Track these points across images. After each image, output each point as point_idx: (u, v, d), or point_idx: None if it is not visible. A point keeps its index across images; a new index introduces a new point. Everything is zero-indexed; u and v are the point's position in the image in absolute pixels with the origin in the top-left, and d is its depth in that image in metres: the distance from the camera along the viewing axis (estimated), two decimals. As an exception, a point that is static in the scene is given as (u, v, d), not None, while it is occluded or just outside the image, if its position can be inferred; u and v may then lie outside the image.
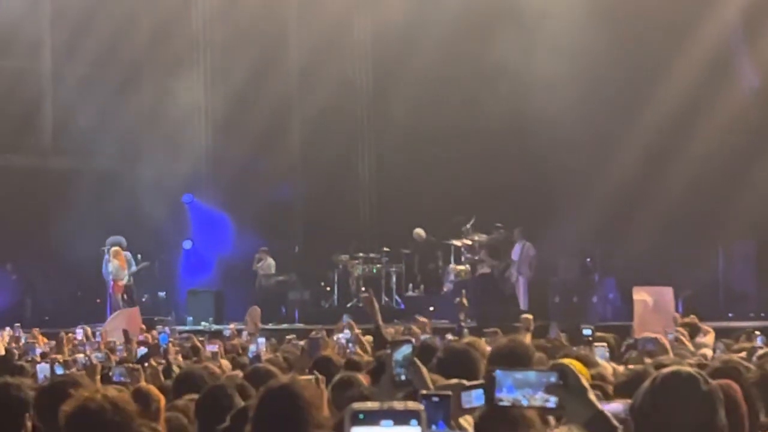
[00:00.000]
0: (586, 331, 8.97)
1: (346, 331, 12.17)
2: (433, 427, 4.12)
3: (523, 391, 3.56)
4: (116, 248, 22.35)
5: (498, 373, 3.57)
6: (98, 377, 7.95)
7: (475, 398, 4.47)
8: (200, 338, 13.80)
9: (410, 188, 23.73)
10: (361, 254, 23.04)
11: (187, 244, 25.54)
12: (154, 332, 15.13)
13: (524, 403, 3.59)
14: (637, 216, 20.41)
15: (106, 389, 4.71)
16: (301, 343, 11.31)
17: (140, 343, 12.92)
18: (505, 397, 3.57)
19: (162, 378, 8.19)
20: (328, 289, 23.53)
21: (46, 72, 25.75)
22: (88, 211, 23.70)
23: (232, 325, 17.26)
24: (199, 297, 23.98)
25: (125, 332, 13.85)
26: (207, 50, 26.27)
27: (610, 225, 20.50)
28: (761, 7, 20.16)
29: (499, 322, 13.78)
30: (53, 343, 13.74)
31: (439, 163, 23.38)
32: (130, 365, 8.18)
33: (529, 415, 4.28)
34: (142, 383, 6.95)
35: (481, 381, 4.83)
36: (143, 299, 23.56)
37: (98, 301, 22.82)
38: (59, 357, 10.34)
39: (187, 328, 20.34)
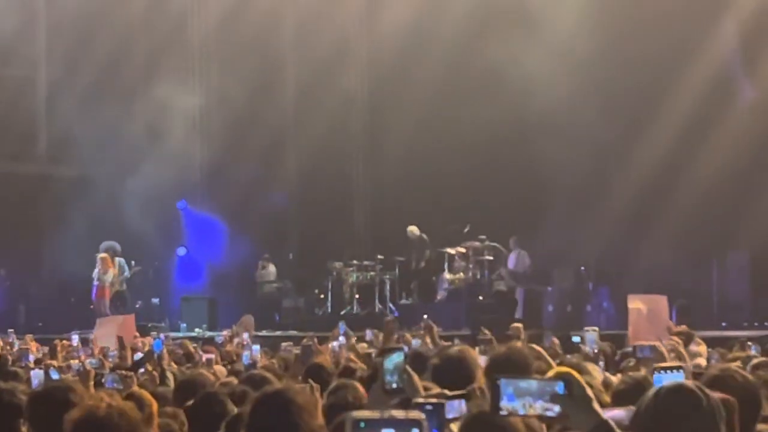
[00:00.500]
0: (575, 339, 8.96)
1: (341, 338, 12.14)
2: None
3: (524, 399, 3.54)
4: (103, 255, 22.28)
5: (502, 381, 3.55)
6: (92, 383, 7.93)
7: (456, 409, 4.45)
8: (193, 345, 13.77)
9: (404, 196, 23.73)
10: (355, 262, 23.02)
11: (181, 251, 25.50)
12: (149, 338, 15.08)
13: (521, 412, 3.57)
14: (631, 225, 20.45)
15: (112, 396, 4.68)
16: (296, 350, 11.28)
17: (132, 350, 12.87)
18: (505, 406, 3.55)
19: (157, 384, 8.16)
20: (322, 296, 23.51)
21: (44, 82, 25.75)
22: (82, 219, 23.65)
23: (225, 332, 17.22)
24: (193, 304, 23.95)
25: (120, 339, 13.79)
26: (205, 61, 26.27)
27: (605, 234, 20.51)
28: (759, 19, 20.21)
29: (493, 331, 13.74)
30: (46, 349, 13.68)
31: (434, 172, 23.40)
32: (123, 372, 8.15)
33: (515, 423, 4.25)
34: (135, 388, 6.92)
35: (463, 392, 4.81)
36: (137, 305, 23.51)
37: (91, 307, 22.76)
38: (54, 363, 10.30)
39: (180, 334, 20.29)
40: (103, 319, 19.38)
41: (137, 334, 16.94)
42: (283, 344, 12.80)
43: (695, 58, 20.42)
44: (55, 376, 8.64)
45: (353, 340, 12.46)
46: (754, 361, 8.17)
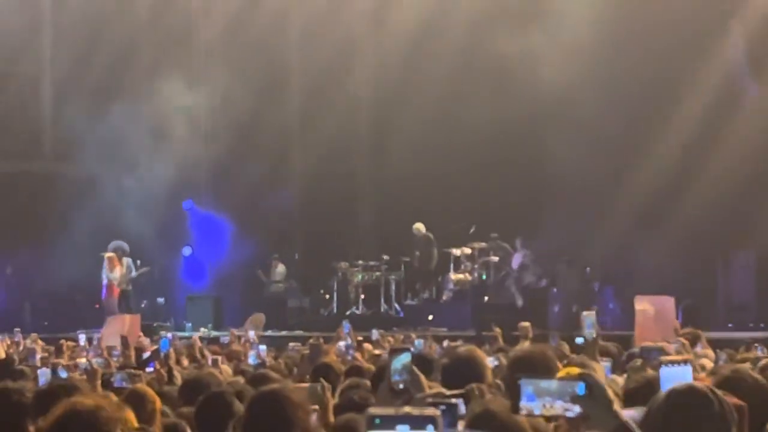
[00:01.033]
0: (579, 340, 8.93)
1: (348, 338, 12.15)
2: None
3: (544, 399, 3.54)
4: (110, 254, 22.28)
5: (522, 381, 3.55)
6: (99, 382, 7.93)
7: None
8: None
9: (410, 196, 23.72)
10: (360, 262, 23.05)
11: (187, 251, 25.51)
12: (147, 340, 15.13)
13: (540, 412, 3.57)
14: (637, 226, 20.44)
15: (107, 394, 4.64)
16: (304, 350, 11.27)
17: (138, 349, 12.86)
18: (524, 405, 3.55)
19: (165, 383, 8.16)
20: (327, 296, 23.52)
21: (50, 81, 25.77)
22: (88, 218, 23.66)
23: (231, 332, 17.21)
24: (198, 303, 23.98)
25: (123, 338, 13.80)
26: (212, 61, 26.27)
27: (610, 234, 20.50)
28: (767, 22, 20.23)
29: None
30: (52, 348, 13.69)
31: (440, 172, 23.38)
32: (132, 370, 8.15)
33: (521, 421, 4.24)
34: (138, 386, 6.90)
35: (462, 391, 4.81)
36: (142, 305, 23.53)
37: (97, 306, 22.78)
38: (62, 361, 10.31)
39: (186, 334, 20.30)
40: (111, 318, 19.43)
41: (141, 334, 16.98)
42: (291, 344, 12.82)
43: (705, 59, 20.42)
44: (63, 374, 8.65)
45: (360, 339, 12.46)
46: (763, 362, 8.16)
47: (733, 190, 19.77)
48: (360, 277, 22.82)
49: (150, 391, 6.34)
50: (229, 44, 26.05)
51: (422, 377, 4.91)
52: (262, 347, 11.93)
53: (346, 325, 14.66)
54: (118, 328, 17.96)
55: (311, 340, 10.72)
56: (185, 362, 10.47)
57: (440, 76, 23.08)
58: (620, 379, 6.98)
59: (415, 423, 2.25)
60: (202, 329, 21.82)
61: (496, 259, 22.03)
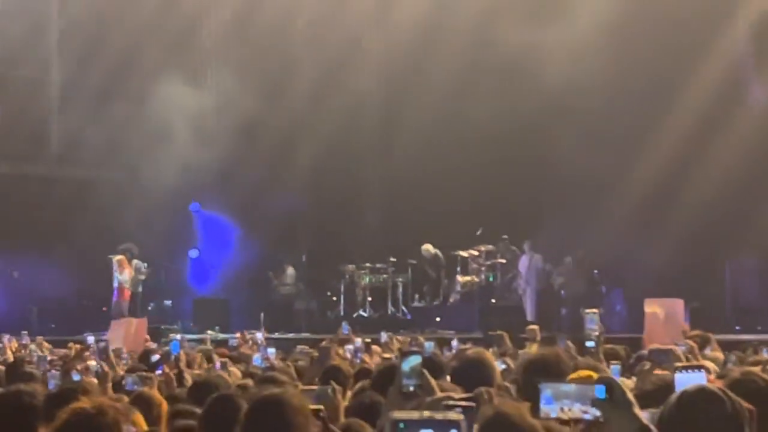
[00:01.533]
0: (589, 344, 8.93)
1: (358, 341, 12.15)
2: None
3: (562, 402, 3.54)
4: (119, 257, 22.29)
5: (541, 385, 3.55)
6: (109, 385, 7.94)
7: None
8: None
9: (417, 198, 23.72)
10: (367, 264, 23.03)
11: (194, 253, 25.53)
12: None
13: (558, 415, 3.57)
14: (645, 229, 20.40)
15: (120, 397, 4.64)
16: (312, 352, 11.27)
17: (146, 352, 12.86)
18: (543, 408, 3.55)
19: (175, 386, 8.16)
20: (335, 299, 23.52)
21: (55, 83, 25.81)
22: (93, 220, 23.69)
23: (238, 334, 17.22)
24: (205, 306, 23.98)
25: (117, 350, 13.74)
26: (217, 62, 26.31)
27: (618, 238, 20.48)
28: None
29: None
30: (62, 351, 13.71)
31: (446, 174, 23.37)
32: (143, 373, 8.15)
33: (535, 424, 4.24)
34: (144, 389, 6.91)
35: (469, 394, 4.81)
36: (149, 308, 23.54)
37: (104, 309, 22.79)
38: (76, 364, 10.33)
39: (194, 336, 20.31)
40: (117, 322, 19.45)
41: (148, 337, 17.00)
42: (299, 347, 12.80)
43: (709, 59, 20.39)
44: (76, 378, 8.67)
45: (368, 341, 12.46)
46: (772, 364, 8.15)
47: (741, 193, 19.75)
48: (367, 279, 22.82)
49: (156, 395, 6.34)
50: (233, 46, 26.09)
51: (433, 381, 4.91)
52: (271, 350, 11.93)
53: (345, 327, 14.71)
54: (123, 331, 18.01)
55: (323, 343, 10.71)
56: (196, 365, 10.45)
57: (447, 75, 23.04)
58: (629, 382, 6.98)
59: (439, 427, 2.25)
60: (210, 332, 21.82)
61: (503, 261, 22.03)
